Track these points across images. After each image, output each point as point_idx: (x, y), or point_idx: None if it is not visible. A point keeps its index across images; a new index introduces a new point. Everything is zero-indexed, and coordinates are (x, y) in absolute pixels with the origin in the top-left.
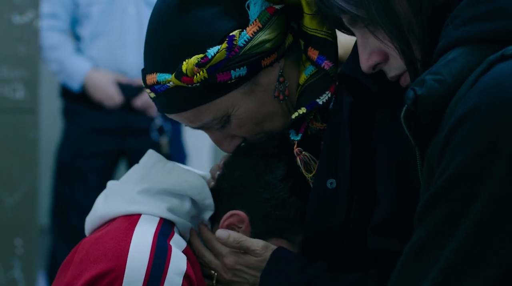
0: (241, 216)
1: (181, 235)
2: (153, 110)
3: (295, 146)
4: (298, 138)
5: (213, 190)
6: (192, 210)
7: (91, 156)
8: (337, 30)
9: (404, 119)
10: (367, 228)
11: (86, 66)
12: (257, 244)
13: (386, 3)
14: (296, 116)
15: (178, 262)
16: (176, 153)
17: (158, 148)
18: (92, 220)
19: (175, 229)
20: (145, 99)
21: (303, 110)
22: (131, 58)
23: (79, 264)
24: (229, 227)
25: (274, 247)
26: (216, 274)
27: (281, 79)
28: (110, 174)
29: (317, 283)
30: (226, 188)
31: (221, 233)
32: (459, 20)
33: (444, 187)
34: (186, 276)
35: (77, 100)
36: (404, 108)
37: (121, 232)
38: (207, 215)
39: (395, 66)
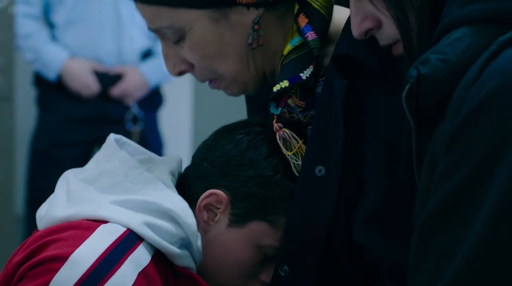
0: (219, 195)
1: (157, 256)
2: (130, 99)
3: (274, 121)
4: (278, 112)
5: (192, 172)
6: (178, 232)
7: (67, 145)
8: (335, 7)
9: (406, 99)
10: (354, 218)
11: (62, 55)
12: None
13: None
14: (278, 90)
15: (123, 279)
16: (153, 141)
17: (130, 138)
18: (49, 221)
19: (143, 245)
20: (122, 88)
21: (285, 83)
22: (108, 46)
23: (30, 243)
24: (207, 207)
25: None
26: None
27: (256, 27)
28: (86, 163)
29: None
30: (207, 167)
31: None
32: None
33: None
34: None
35: (52, 89)
36: (407, 87)
37: (79, 231)
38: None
39: (388, 35)
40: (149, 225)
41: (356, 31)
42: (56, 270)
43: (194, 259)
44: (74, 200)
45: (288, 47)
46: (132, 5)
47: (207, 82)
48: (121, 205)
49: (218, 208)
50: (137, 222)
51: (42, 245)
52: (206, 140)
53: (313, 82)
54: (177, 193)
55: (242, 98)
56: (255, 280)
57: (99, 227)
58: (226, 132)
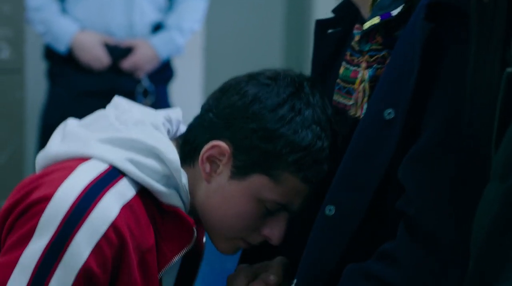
0: (222, 148)
1: (143, 193)
2: (141, 72)
3: (365, 58)
4: (368, 48)
5: (198, 123)
6: (163, 169)
7: (78, 118)
8: None
9: None
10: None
11: (73, 28)
12: None
13: None
14: (369, 27)
15: (106, 210)
16: None
17: None
18: (44, 158)
19: (126, 179)
20: (132, 61)
21: (376, 20)
22: (118, 19)
23: (16, 191)
24: (209, 159)
25: None
26: None
27: None
28: None
29: None
30: (212, 118)
31: None
32: None
33: None
34: (114, 226)
35: (62, 62)
36: None
37: (66, 170)
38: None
39: None
40: (132, 161)
41: None
42: (41, 211)
43: (182, 200)
44: (67, 139)
45: None
46: None
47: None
48: (106, 142)
49: (221, 160)
50: (120, 157)
51: (26, 193)
52: (215, 91)
53: (399, 21)
54: (166, 136)
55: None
56: (257, 234)
57: (79, 165)
58: (234, 84)
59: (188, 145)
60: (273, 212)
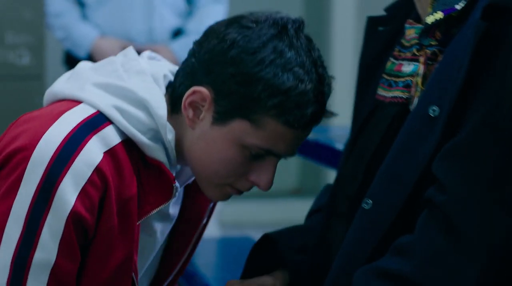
0: (203, 93)
1: (129, 143)
2: None
3: (424, 55)
4: (428, 43)
5: (181, 68)
6: (150, 122)
7: None
8: None
9: None
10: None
11: (93, 34)
12: None
13: None
14: (432, 22)
15: (90, 154)
16: None
17: None
18: (48, 94)
19: (113, 127)
20: None
21: (439, 15)
22: (138, 25)
23: (5, 135)
24: (192, 105)
25: None
26: None
27: None
28: None
29: None
30: (194, 63)
31: None
32: None
33: None
34: (98, 170)
35: None
36: None
37: (52, 115)
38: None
39: None
40: (119, 109)
41: None
42: (27, 159)
43: (168, 155)
44: (71, 79)
45: None
46: None
47: None
48: (100, 87)
49: (203, 106)
50: (107, 103)
51: (10, 140)
52: (200, 36)
53: (459, 20)
54: (162, 89)
55: None
56: (245, 180)
57: (65, 112)
58: (215, 28)
59: (175, 91)
60: (258, 157)
